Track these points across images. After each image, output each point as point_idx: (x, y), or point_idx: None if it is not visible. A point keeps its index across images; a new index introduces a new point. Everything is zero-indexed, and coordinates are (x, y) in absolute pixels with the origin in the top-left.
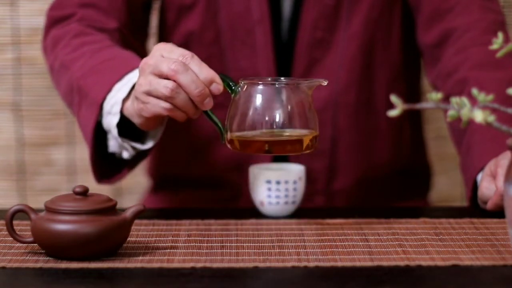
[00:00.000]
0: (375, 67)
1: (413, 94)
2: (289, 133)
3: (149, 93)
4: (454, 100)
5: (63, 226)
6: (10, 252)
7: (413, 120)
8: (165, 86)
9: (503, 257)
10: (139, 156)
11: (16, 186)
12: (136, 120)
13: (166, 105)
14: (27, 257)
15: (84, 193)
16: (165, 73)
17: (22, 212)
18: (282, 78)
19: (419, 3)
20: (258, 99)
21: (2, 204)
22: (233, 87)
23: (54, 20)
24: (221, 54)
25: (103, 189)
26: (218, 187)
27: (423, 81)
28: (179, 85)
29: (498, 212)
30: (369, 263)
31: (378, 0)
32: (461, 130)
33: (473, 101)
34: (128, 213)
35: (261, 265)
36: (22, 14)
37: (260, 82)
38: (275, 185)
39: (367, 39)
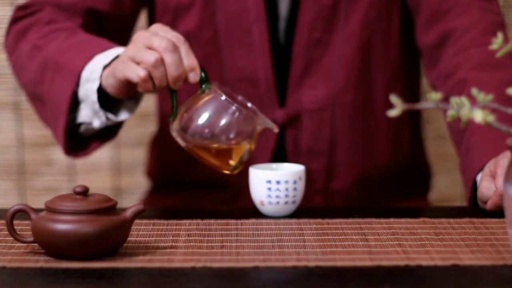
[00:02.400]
0: (374, 68)
1: (412, 94)
2: (219, 146)
3: (133, 59)
4: (454, 100)
5: (63, 226)
6: (11, 252)
7: (413, 120)
8: (151, 55)
9: (502, 257)
10: (107, 131)
11: (16, 186)
12: (109, 81)
13: (142, 72)
14: (28, 257)
15: (84, 193)
16: (154, 47)
17: (22, 212)
18: (249, 104)
19: (418, 4)
20: (212, 109)
21: (2, 204)
22: (203, 85)
23: (20, 17)
24: (218, 54)
25: (103, 189)
26: (218, 188)
27: (423, 81)
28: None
29: (498, 212)
30: (369, 263)
31: (376, 1)
32: (461, 131)
33: (473, 101)
34: (128, 213)
35: (261, 265)
36: None
37: (222, 96)
38: (275, 185)
39: (365, 40)
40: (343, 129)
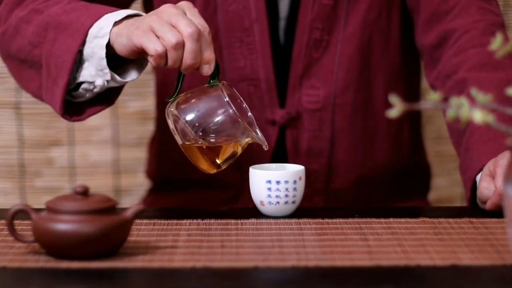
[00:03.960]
0: (374, 68)
1: (412, 95)
2: (208, 143)
3: (154, 31)
4: (453, 100)
5: (63, 226)
6: (11, 252)
7: (413, 121)
8: (174, 36)
9: (502, 257)
10: (104, 97)
11: (17, 186)
12: (121, 40)
13: (160, 48)
14: (28, 257)
15: (84, 193)
16: (180, 29)
17: (23, 212)
18: (249, 113)
19: (418, 4)
20: (211, 106)
21: (3, 203)
22: (212, 80)
23: None
24: (219, 53)
25: (103, 190)
26: (218, 188)
27: (423, 82)
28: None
29: (497, 212)
30: (368, 263)
31: (376, 1)
32: (460, 131)
33: (472, 101)
34: (128, 213)
35: (261, 265)
36: None
37: (226, 97)
38: (275, 185)
39: (365, 40)
40: (343, 129)
